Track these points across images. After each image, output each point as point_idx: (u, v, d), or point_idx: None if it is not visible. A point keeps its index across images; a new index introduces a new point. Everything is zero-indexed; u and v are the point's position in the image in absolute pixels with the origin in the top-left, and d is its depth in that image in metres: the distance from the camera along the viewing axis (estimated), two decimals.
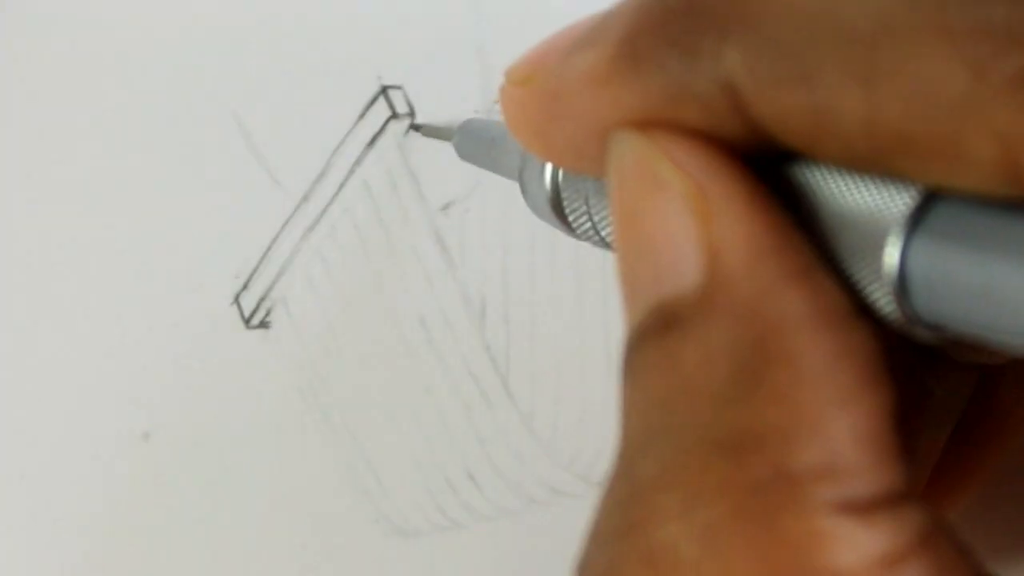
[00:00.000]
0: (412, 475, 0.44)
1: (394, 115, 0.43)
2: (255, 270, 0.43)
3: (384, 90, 0.43)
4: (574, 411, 0.44)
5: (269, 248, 0.43)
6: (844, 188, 0.20)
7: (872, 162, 0.19)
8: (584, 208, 0.26)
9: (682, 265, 0.20)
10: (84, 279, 0.44)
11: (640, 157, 0.21)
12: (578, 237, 0.27)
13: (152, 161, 0.44)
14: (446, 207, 0.43)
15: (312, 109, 0.44)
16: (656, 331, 0.20)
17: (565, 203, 0.26)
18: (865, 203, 0.20)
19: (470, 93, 0.43)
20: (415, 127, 0.41)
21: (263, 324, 0.44)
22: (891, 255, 0.19)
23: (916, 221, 0.19)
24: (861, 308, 0.20)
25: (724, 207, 0.20)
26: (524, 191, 0.28)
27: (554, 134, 0.23)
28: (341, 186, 0.43)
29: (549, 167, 0.26)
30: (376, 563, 0.44)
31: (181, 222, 0.44)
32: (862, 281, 0.20)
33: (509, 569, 0.44)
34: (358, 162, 0.43)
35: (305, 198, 0.43)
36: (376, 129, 0.43)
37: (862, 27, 0.18)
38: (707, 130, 0.20)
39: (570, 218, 0.26)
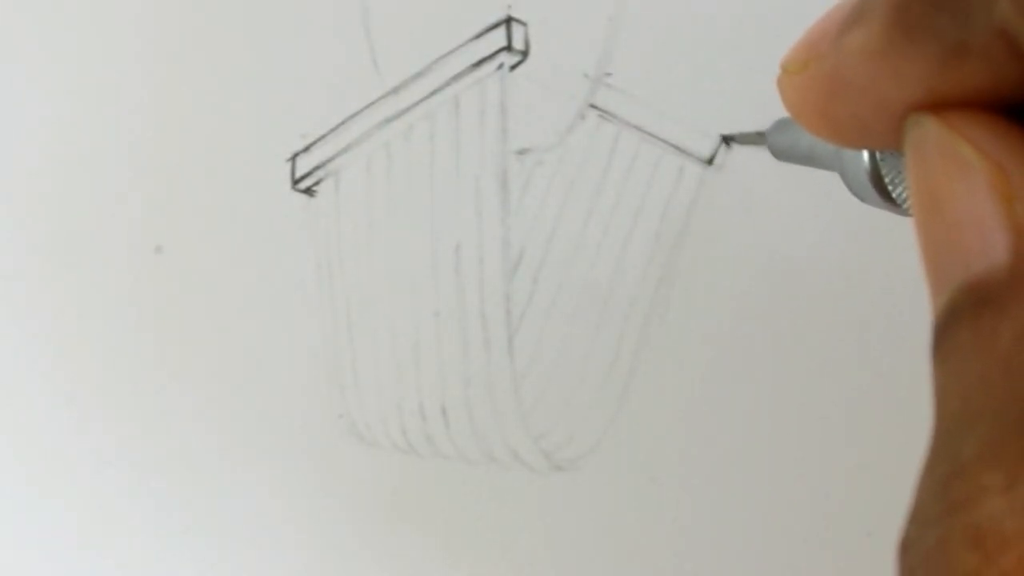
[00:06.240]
0: (390, 387, 0.44)
1: (508, 48, 0.43)
2: (322, 138, 0.44)
3: (508, 21, 0.43)
4: (565, 390, 0.44)
5: (343, 123, 0.43)
6: None
7: None
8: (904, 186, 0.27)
9: (989, 246, 0.20)
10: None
11: (939, 141, 0.21)
12: (905, 213, 0.27)
13: None
14: (522, 152, 0.43)
15: (435, 11, 0.43)
16: (968, 312, 0.20)
17: (886, 179, 0.27)
18: None
19: (591, 46, 0.43)
20: (726, 139, 0.42)
21: (309, 191, 0.44)
22: None
23: None
24: None
25: None
26: (844, 177, 0.29)
27: (837, 114, 0.23)
28: (433, 93, 0.43)
29: (866, 153, 0.27)
30: (323, 456, 0.44)
31: (267, 63, 0.44)
32: None
33: (444, 511, 0.44)
34: (457, 78, 0.43)
35: (395, 90, 0.43)
36: (486, 54, 0.43)
37: None
38: (991, 88, 0.21)
39: (894, 194, 0.27)
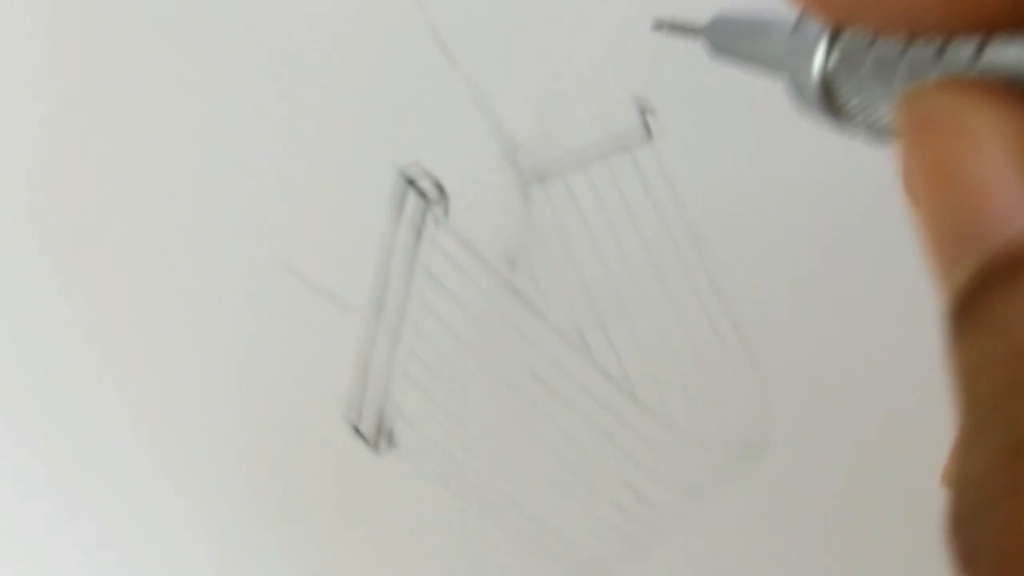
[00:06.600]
0: (584, 518, 0.44)
1: (429, 203, 0.42)
2: (361, 396, 0.43)
3: (410, 182, 0.42)
4: (706, 392, 0.44)
5: (366, 372, 0.43)
6: None
7: None
8: (859, 98, 0.25)
9: (1013, 215, 0.20)
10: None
11: (950, 112, 0.21)
12: (845, 130, 0.26)
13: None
14: (512, 265, 0.43)
15: (348, 222, 0.43)
16: (996, 284, 0.20)
17: (839, 90, 0.26)
18: None
19: (487, 135, 0.42)
20: (657, 26, 0.37)
21: (391, 444, 0.44)
22: None
23: None
24: None
25: None
26: (789, 81, 0.27)
27: None
28: (406, 287, 0.43)
29: (820, 52, 0.26)
30: None
31: (276, 377, 0.43)
32: None
33: (724, 558, 0.45)
34: (413, 262, 0.42)
35: (377, 313, 0.43)
36: (418, 223, 0.42)
37: None
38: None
39: (845, 105, 0.26)
